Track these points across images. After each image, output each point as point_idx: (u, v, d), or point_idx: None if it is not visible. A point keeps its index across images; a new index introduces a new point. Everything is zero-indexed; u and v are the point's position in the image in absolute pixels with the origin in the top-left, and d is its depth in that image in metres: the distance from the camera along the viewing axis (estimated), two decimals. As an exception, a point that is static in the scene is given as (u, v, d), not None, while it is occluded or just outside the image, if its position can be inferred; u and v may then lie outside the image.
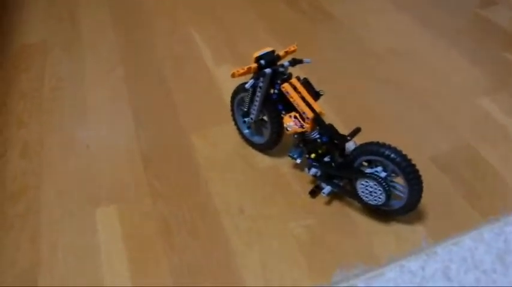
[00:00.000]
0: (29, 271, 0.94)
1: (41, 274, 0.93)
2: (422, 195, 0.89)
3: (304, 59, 1.00)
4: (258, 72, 0.99)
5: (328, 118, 1.13)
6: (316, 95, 0.98)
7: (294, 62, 1.00)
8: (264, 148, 1.12)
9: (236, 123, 1.15)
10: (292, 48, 1.03)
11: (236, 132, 1.17)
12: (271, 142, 1.08)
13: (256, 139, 1.13)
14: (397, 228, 0.94)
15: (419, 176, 0.87)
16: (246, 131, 1.14)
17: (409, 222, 0.95)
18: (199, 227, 0.98)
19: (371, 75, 1.33)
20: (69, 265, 0.94)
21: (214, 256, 0.93)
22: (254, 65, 0.99)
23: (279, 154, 1.11)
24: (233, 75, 0.98)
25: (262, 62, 0.98)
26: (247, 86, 0.99)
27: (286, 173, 1.07)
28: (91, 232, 1.00)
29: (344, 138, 0.94)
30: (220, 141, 1.17)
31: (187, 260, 0.93)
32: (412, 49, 1.41)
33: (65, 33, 1.67)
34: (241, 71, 0.98)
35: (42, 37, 1.65)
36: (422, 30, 1.48)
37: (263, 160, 1.11)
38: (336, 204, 1.00)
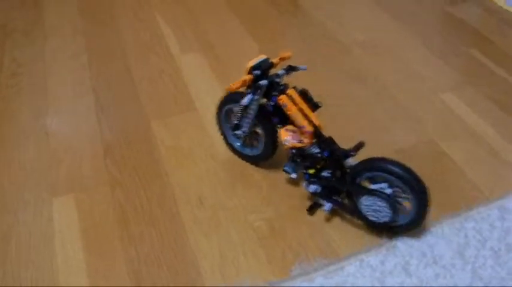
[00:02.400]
0: (-22, 260, 0.90)
1: (-10, 264, 0.90)
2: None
3: (300, 66, 0.93)
4: (254, 85, 0.91)
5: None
6: (314, 107, 0.90)
7: (290, 70, 0.93)
8: (258, 160, 1.04)
9: (223, 134, 1.07)
10: (286, 55, 0.94)
11: (198, 121, 1.15)
12: (266, 154, 1.01)
13: (248, 151, 1.04)
14: (357, 222, 0.92)
15: (427, 192, 0.83)
16: (238, 144, 1.05)
17: (371, 216, 0.94)
18: (157, 217, 0.96)
19: (339, 68, 1.32)
20: (23, 255, 0.91)
21: (172, 246, 0.90)
22: (249, 77, 0.90)
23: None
24: (229, 90, 0.90)
25: (258, 72, 0.90)
26: (243, 102, 0.90)
27: (248, 165, 1.05)
28: (46, 221, 0.97)
29: (347, 153, 0.87)
30: (182, 130, 1.14)
31: (144, 251, 0.90)
32: (381, 43, 1.40)
33: (27, 17, 1.62)
34: (237, 84, 0.89)
35: (2, 21, 1.60)
36: (393, 25, 1.48)
37: (225, 151, 1.08)
38: (296, 198, 0.98)
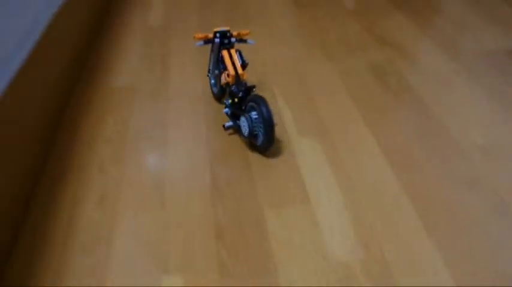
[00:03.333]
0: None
1: None
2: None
3: (248, 40, 1.45)
4: (211, 40, 1.45)
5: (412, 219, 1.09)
6: (244, 64, 1.38)
7: (240, 40, 1.45)
8: (217, 97, 1.57)
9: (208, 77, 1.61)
10: (244, 32, 1.46)
11: (311, 216, 1.15)
12: (219, 92, 1.53)
13: (215, 90, 1.56)
14: None
15: (273, 128, 1.25)
16: (213, 81, 1.56)
17: None
18: (264, 317, 0.96)
19: (452, 172, 1.28)
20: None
21: None
22: (211, 35, 1.45)
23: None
24: (194, 37, 1.45)
25: (217, 35, 1.43)
26: (197, 44, 1.45)
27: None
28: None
29: (249, 90, 1.34)
30: (294, 224, 1.14)
31: None
32: (503, 149, 1.35)
33: (154, 80, 1.71)
34: (202, 35, 1.45)
35: (132, 82, 1.70)
36: (515, 130, 1.43)
37: (339, 253, 1.07)
38: None
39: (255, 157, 1.34)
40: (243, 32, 1.46)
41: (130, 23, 2.17)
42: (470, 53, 1.84)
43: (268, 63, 1.79)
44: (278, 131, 1.44)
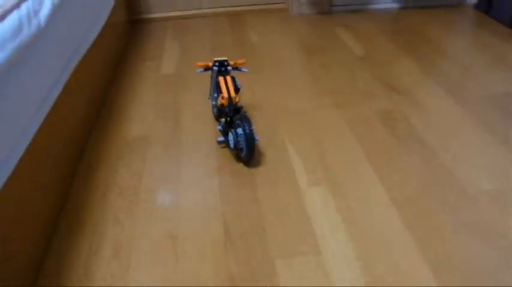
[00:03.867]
0: None
1: None
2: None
3: (242, 68, 1.69)
4: (209, 68, 1.68)
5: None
6: (237, 89, 1.60)
7: (235, 68, 1.67)
8: (216, 117, 1.75)
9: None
10: (240, 62, 1.68)
11: (322, 267, 1.17)
12: (218, 112, 1.69)
13: (215, 111, 1.74)
14: None
15: (253, 143, 1.47)
16: (213, 103, 1.74)
17: None
18: None
19: (459, 219, 1.29)
20: None
21: None
22: (210, 64, 1.68)
23: None
24: (195, 65, 1.70)
25: (216, 63, 1.65)
26: (198, 71, 1.71)
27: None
28: None
29: (239, 109, 1.56)
30: (305, 275, 1.16)
31: None
32: (509, 192, 1.37)
33: (167, 129, 1.75)
34: (202, 64, 1.67)
35: (145, 131, 1.75)
36: (523, 177, 1.44)
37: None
38: None
39: (268, 208, 1.37)
40: (239, 61, 1.68)
41: (144, 71, 2.23)
42: (477, 97, 1.87)
43: (279, 111, 1.83)
44: (289, 180, 1.47)
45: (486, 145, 1.59)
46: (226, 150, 1.62)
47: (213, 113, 1.79)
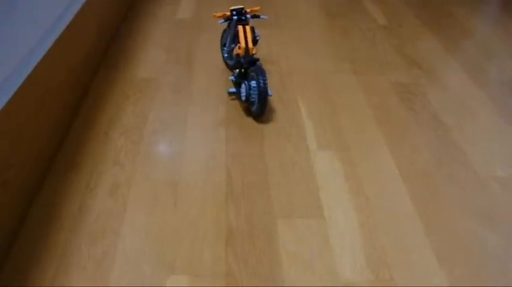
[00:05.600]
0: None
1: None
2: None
3: (262, 15, 1.62)
4: (229, 18, 1.60)
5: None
6: (255, 40, 1.54)
7: (254, 16, 1.60)
8: (232, 68, 1.66)
9: (221, 50, 1.78)
10: (256, 8, 1.62)
11: (324, 231, 1.14)
12: (236, 63, 1.61)
13: (229, 61, 1.69)
14: None
15: (266, 97, 1.43)
16: (226, 55, 1.73)
17: None
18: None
19: (469, 204, 1.25)
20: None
21: None
22: (228, 14, 1.60)
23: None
24: (213, 16, 1.61)
25: (234, 12, 1.59)
26: (220, 22, 1.62)
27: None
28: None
29: (254, 62, 1.49)
30: (306, 237, 1.13)
31: None
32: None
33: (178, 74, 1.70)
34: (220, 14, 1.60)
35: (155, 74, 1.69)
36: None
37: (348, 272, 1.06)
38: None
39: (274, 165, 1.33)
40: (255, 8, 1.63)
41: (159, 14, 2.16)
42: (496, 82, 1.81)
43: (295, 72, 1.78)
44: (298, 140, 1.42)
45: (502, 131, 1.54)
46: (236, 102, 1.57)
47: (226, 64, 1.75)
